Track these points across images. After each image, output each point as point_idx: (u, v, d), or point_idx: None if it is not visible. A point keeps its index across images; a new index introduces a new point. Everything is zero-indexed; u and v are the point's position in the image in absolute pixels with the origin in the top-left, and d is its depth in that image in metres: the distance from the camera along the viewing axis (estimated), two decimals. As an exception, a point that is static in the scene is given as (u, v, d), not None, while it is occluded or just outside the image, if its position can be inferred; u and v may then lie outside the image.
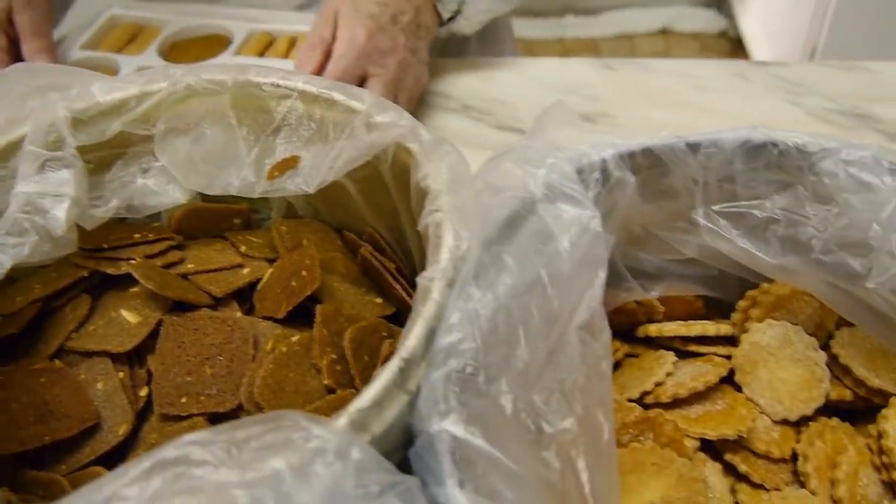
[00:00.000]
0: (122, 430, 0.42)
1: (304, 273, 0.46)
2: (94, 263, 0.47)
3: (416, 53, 0.77)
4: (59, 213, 0.44)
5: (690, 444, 0.43)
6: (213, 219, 0.52)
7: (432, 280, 0.36)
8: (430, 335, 0.35)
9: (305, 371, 0.43)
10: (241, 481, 0.29)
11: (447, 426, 0.32)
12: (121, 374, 0.43)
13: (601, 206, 0.42)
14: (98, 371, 0.44)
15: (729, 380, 0.47)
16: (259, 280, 0.49)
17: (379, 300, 0.49)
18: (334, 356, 0.43)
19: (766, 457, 0.44)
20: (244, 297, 0.49)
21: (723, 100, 0.81)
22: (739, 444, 0.45)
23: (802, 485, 0.44)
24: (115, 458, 0.41)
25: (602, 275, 0.38)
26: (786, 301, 0.46)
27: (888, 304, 0.41)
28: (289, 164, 0.46)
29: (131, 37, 0.86)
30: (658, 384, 0.44)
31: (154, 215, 0.52)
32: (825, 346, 0.47)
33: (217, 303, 0.48)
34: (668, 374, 0.45)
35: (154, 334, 0.45)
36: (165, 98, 0.47)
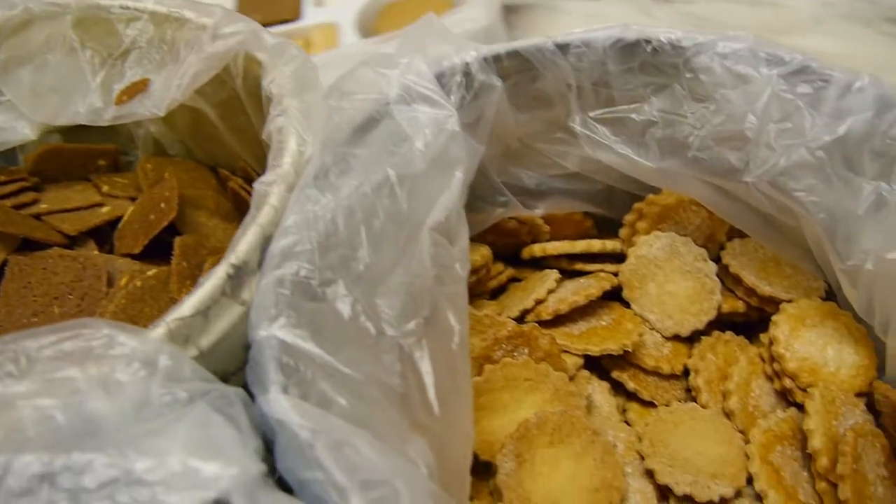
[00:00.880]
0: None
1: (162, 205, 0.43)
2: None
3: None
4: None
5: (573, 361, 0.40)
6: (75, 160, 0.49)
7: (271, 185, 0.33)
8: (267, 242, 0.32)
9: (164, 306, 0.41)
10: (28, 391, 0.26)
11: (274, 331, 0.29)
12: (-40, 317, 0.40)
13: (466, 113, 0.40)
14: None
15: (620, 298, 0.45)
16: (120, 219, 0.46)
17: (249, 233, 0.46)
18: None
19: (656, 373, 0.42)
20: (105, 236, 0.46)
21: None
22: (628, 362, 0.42)
23: (695, 400, 0.42)
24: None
25: (459, 175, 0.35)
26: (672, 211, 0.44)
27: (768, 199, 0.38)
28: (137, 88, 0.42)
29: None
30: (539, 301, 0.42)
31: (11, 157, 0.48)
32: (717, 259, 0.45)
33: (73, 242, 0.44)
34: (550, 292, 0.42)
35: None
36: (2, 24, 0.43)
